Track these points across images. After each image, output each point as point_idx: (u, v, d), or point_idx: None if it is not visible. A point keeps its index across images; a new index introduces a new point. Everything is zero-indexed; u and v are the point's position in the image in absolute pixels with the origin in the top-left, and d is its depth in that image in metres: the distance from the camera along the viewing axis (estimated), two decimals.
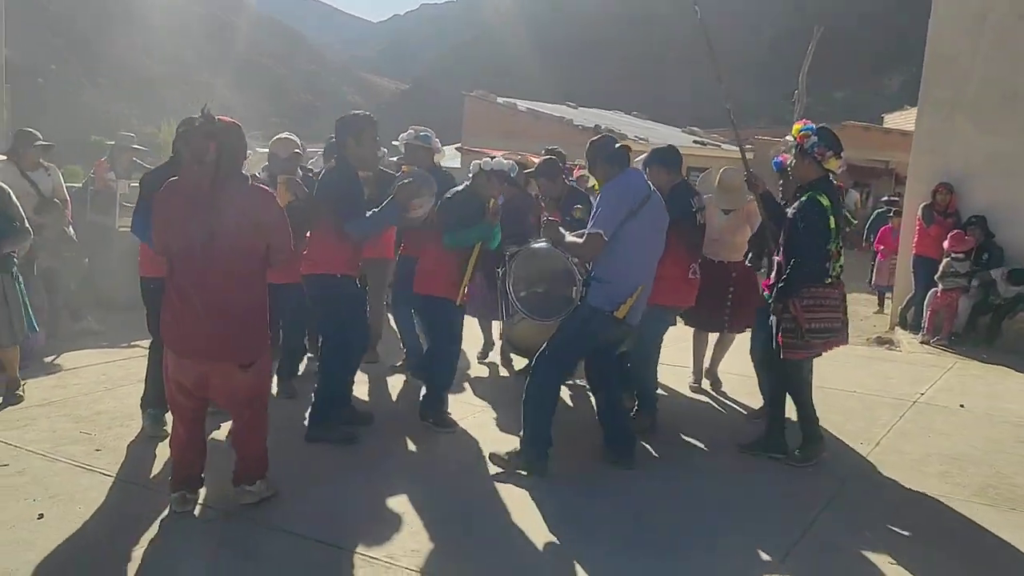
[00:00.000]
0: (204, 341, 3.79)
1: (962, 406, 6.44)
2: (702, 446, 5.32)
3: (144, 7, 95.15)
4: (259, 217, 3.86)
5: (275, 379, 5.76)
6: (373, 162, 5.48)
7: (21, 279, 5.80)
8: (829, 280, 4.70)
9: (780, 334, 4.70)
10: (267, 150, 6.42)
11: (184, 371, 3.87)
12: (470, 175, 5.41)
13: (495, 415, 5.76)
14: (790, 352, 4.72)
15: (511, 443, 4.82)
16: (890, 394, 6.72)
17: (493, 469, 4.69)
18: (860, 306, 11.89)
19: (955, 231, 9.28)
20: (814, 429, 4.94)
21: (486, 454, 4.85)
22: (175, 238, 3.80)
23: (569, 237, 4.62)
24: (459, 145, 20.81)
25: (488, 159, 5.45)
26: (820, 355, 4.90)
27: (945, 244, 9.21)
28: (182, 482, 4.04)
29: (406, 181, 5.19)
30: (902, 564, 3.78)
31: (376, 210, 4.93)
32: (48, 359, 6.72)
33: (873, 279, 11.99)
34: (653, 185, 4.84)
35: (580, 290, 4.63)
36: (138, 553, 3.65)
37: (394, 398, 6.25)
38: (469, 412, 5.77)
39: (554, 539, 3.89)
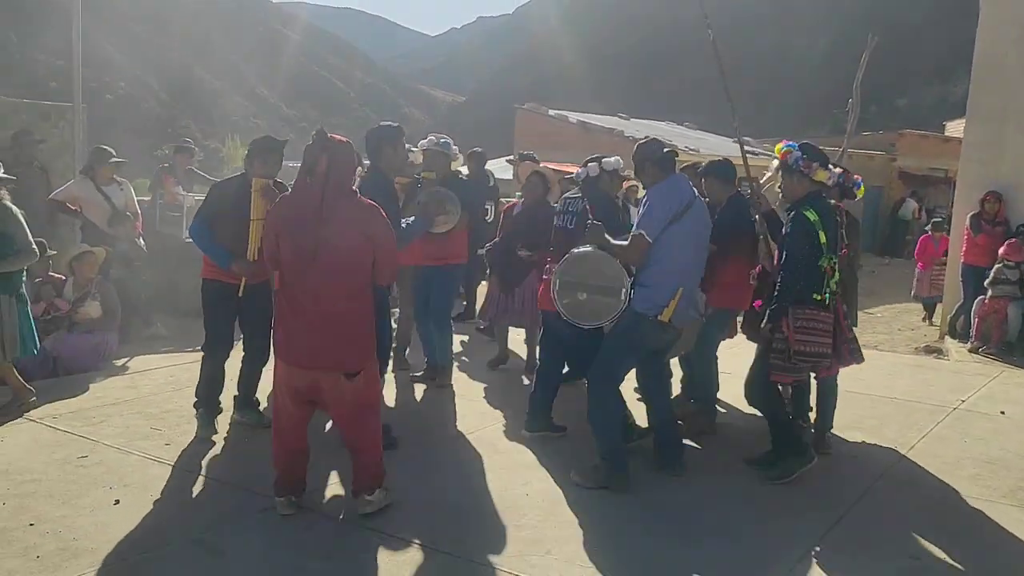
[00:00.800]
0: (312, 351, 3.92)
1: (1003, 413, 6.50)
2: (737, 447, 5.48)
3: (203, 23, 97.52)
4: (367, 230, 3.96)
5: None
6: (406, 169, 5.83)
7: (28, 300, 5.88)
8: (819, 299, 4.54)
9: (770, 355, 4.63)
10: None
11: (294, 379, 4.01)
12: (579, 178, 5.49)
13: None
14: (777, 374, 4.65)
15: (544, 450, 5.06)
16: (930, 401, 6.79)
17: (528, 475, 4.93)
18: (914, 316, 11.90)
19: (1011, 239, 9.26)
20: (793, 444, 4.81)
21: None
22: (286, 249, 3.94)
23: (614, 242, 4.68)
24: (511, 157, 21.06)
25: (607, 159, 5.49)
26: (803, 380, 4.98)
27: (1001, 251, 9.19)
28: (288, 487, 4.19)
29: (432, 197, 5.53)
30: (923, 560, 3.93)
31: (405, 225, 5.07)
32: (120, 362, 7.16)
33: (914, 290, 11.94)
34: (709, 197, 5.06)
35: (629, 293, 4.61)
36: (204, 536, 3.99)
37: (420, 406, 6.41)
38: (490, 421, 6.01)
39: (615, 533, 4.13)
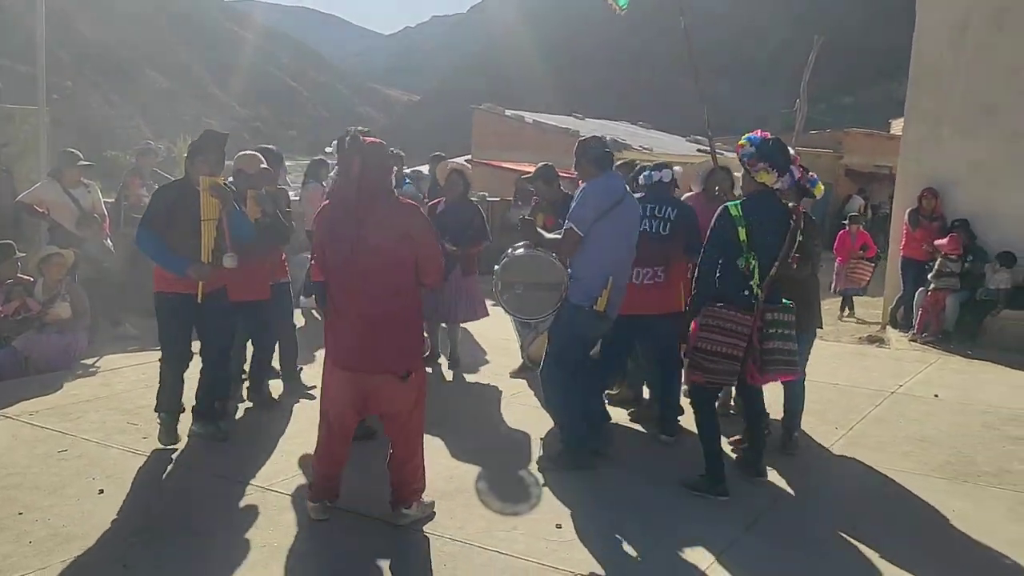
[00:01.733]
0: (361, 353, 3.94)
1: (936, 396, 6.93)
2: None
3: (151, 21, 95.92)
4: (406, 230, 3.94)
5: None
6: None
7: None
8: (738, 298, 4.40)
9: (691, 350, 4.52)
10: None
11: (346, 385, 4.00)
12: (648, 182, 5.57)
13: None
14: (689, 373, 4.62)
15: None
16: (870, 386, 7.21)
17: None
18: (859, 308, 12.36)
19: (952, 234, 9.75)
20: (715, 464, 4.59)
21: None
22: (331, 253, 3.99)
23: (548, 235, 4.95)
24: (468, 157, 21.35)
25: (677, 168, 5.82)
26: (719, 388, 4.86)
27: (940, 244, 9.67)
28: (324, 492, 4.18)
29: None
30: (857, 524, 4.29)
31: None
32: (90, 361, 7.29)
33: (833, 284, 11.74)
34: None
35: (567, 285, 4.79)
36: (187, 521, 4.21)
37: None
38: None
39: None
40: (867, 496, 4.74)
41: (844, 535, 4.20)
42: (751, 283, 4.35)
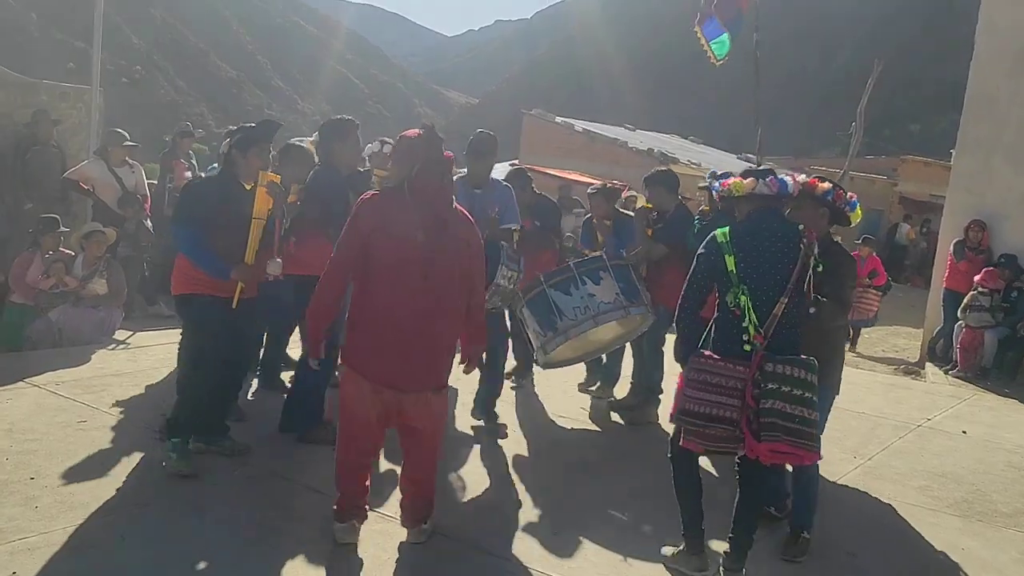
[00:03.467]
0: (408, 370, 3.63)
1: (964, 432, 6.77)
2: None
3: (220, 10, 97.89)
4: (471, 239, 3.78)
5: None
6: (356, 164, 5.51)
7: None
8: (718, 345, 3.54)
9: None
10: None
11: (374, 397, 3.68)
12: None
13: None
14: (686, 439, 3.58)
15: None
16: (897, 417, 7.06)
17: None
18: (901, 339, 12.16)
19: (990, 267, 9.52)
20: (692, 537, 3.80)
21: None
22: (387, 253, 3.60)
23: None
24: (514, 161, 21.43)
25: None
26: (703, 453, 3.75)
27: (976, 278, 9.45)
28: (351, 511, 3.86)
29: None
30: (859, 557, 4.23)
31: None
32: (122, 337, 7.47)
33: None
34: (656, 204, 5.66)
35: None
36: (192, 499, 4.28)
37: None
38: None
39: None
40: (873, 528, 4.64)
41: (842, 566, 4.13)
42: (745, 325, 3.47)
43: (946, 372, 9.43)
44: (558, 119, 23.81)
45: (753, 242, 3.57)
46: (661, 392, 6.11)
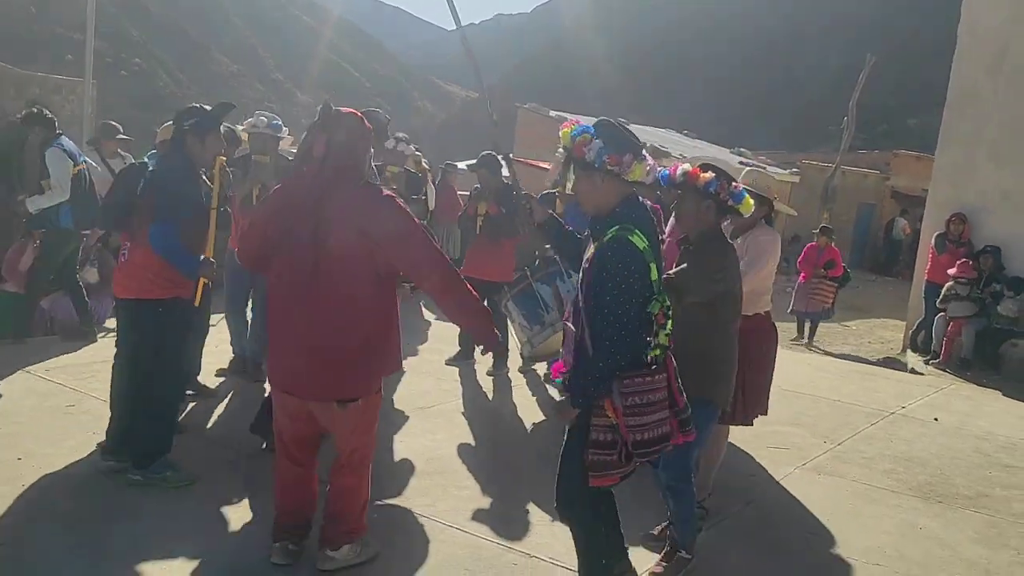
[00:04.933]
0: (298, 375, 3.31)
1: (936, 420, 6.91)
2: None
3: (219, 2, 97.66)
4: (366, 226, 3.22)
5: None
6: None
7: None
8: (649, 359, 3.00)
9: (589, 448, 3.02)
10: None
11: (287, 404, 3.42)
12: None
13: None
14: (600, 476, 3.04)
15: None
16: (871, 405, 7.21)
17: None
18: (889, 331, 12.32)
19: (963, 260, 9.67)
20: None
21: None
22: (279, 247, 3.32)
23: None
24: (509, 155, 21.34)
25: None
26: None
27: (951, 271, 9.60)
28: (287, 531, 3.50)
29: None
30: (818, 535, 4.39)
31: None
32: (112, 325, 7.59)
33: (791, 304, 10.72)
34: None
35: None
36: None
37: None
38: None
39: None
40: (834, 509, 4.78)
41: (800, 546, 4.28)
42: (662, 333, 3.01)
43: (927, 362, 9.59)
44: (552, 113, 23.87)
45: (653, 242, 3.05)
46: None
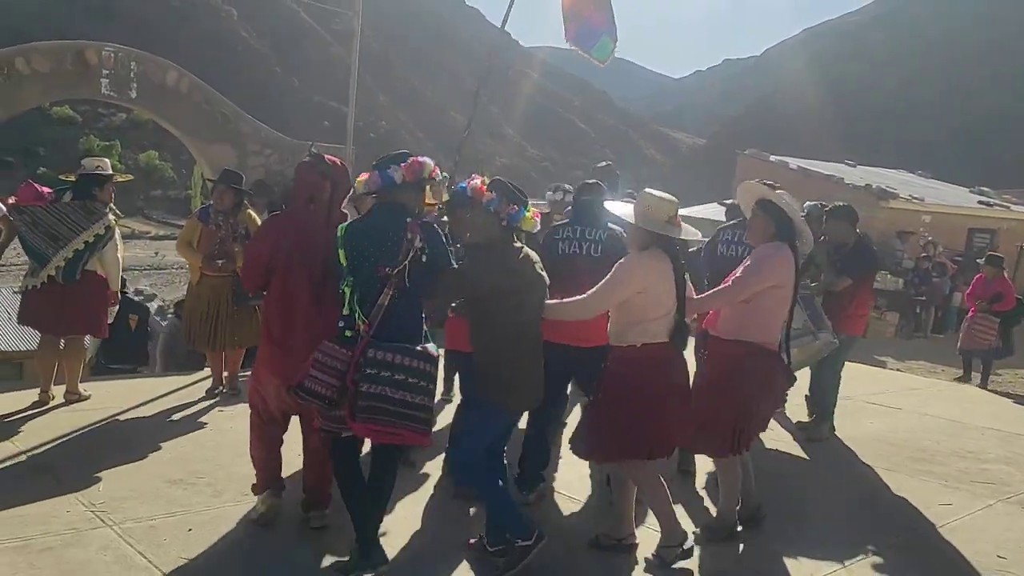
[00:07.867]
0: (298, 371, 3.62)
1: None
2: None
3: (456, 68, 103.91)
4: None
5: None
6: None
7: None
8: (348, 334, 3.50)
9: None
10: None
11: (281, 393, 3.86)
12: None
13: None
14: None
15: None
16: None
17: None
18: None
19: None
20: (363, 540, 3.58)
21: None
22: (292, 270, 3.79)
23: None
24: (726, 200, 21.35)
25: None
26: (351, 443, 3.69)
27: None
28: (268, 480, 4.06)
29: None
30: (783, 493, 4.77)
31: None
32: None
33: (960, 342, 9.89)
34: (831, 237, 6.03)
35: None
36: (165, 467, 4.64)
37: None
38: None
39: None
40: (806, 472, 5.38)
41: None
42: (345, 313, 3.54)
43: None
44: (772, 157, 23.80)
45: (365, 236, 3.51)
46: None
